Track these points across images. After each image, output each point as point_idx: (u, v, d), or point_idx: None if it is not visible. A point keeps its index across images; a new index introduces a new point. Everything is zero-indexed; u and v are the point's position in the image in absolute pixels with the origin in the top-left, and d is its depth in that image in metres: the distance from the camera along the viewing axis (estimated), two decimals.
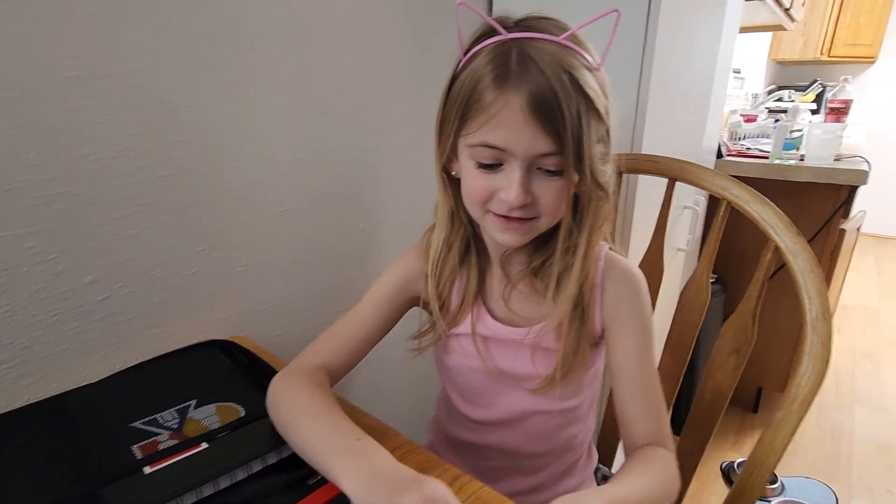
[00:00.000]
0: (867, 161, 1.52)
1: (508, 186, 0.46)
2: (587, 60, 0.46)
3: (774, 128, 1.64)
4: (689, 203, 1.19)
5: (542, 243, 0.54)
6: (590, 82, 0.45)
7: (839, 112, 1.73)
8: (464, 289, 0.59)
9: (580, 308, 0.55)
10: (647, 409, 0.56)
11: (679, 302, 0.78)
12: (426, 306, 0.62)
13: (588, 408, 0.67)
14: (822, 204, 1.55)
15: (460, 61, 0.50)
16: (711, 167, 1.54)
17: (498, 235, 0.51)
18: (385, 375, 1.04)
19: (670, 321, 0.78)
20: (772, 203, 0.68)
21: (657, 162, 0.77)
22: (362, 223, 0.94)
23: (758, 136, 1.94)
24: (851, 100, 1.73)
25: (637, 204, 0.98)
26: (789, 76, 3.94)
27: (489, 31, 0.47)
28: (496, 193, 0.48)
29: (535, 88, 0.43)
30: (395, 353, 1.03)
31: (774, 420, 0.63)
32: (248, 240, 0.77)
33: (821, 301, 0.62)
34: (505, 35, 0.46)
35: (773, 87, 3.22)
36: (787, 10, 1.97)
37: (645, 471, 0.50)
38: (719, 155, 1.56)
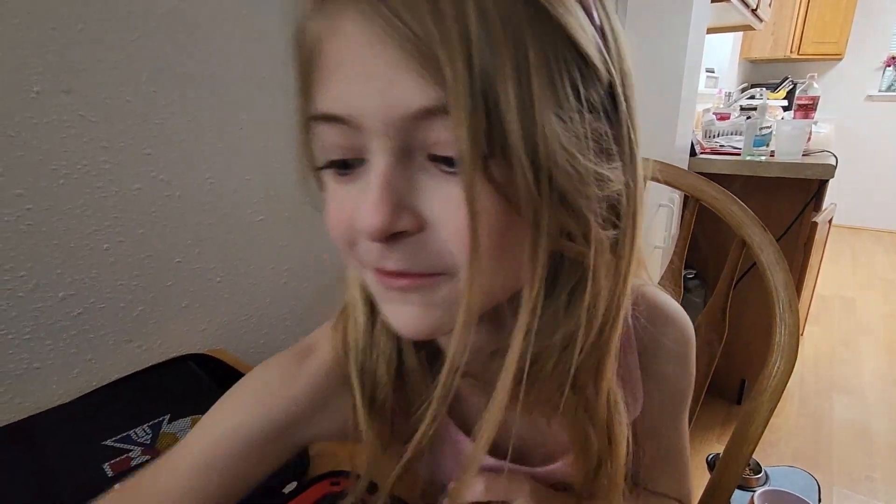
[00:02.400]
0: (834, 155, 1.57)
1: (367, 194, 0.24)
2: None
3: (746, 125, 1.68)
4: (664, 201, 1.22)
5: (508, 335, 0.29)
6: None
7: (807, 108, 1.78)
8: (414, 416, 0.31)
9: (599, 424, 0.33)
10: (672, 474, 0.47)
11: None
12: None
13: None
14: (794, 198, 1.59)
15: None
16: (685, 165, 1.58)
17: (386, 313, 0.28)
18: None
19: None
20: (738, 199, 0.70)
21: None
22: None
23: (731, 134, 1.99)
24: (818, 96, 1.78)
25: None
26: (761, 74, 4.04)
27: None
28: (356, 222, 0.25)
29: None
30: None
31: (747, 411, 0.65)
32: (226, 250, 0.76)
33: (787, 293, 0.64)
34: None
35: (745, 85, 3.29)
36: (754, 11, 2.02)
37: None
38: (693, 153, 1.60)
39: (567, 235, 0.25)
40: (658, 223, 1.24)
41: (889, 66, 3.96)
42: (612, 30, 0.26)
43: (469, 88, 0.20)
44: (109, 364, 0.65)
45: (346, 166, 0.26)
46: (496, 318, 0.29)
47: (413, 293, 0.26)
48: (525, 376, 0.27)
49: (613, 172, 0.26)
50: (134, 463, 0.46)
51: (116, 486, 0.36)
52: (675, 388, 0.41)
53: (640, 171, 0.29)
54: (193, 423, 0.52)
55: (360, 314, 0.33)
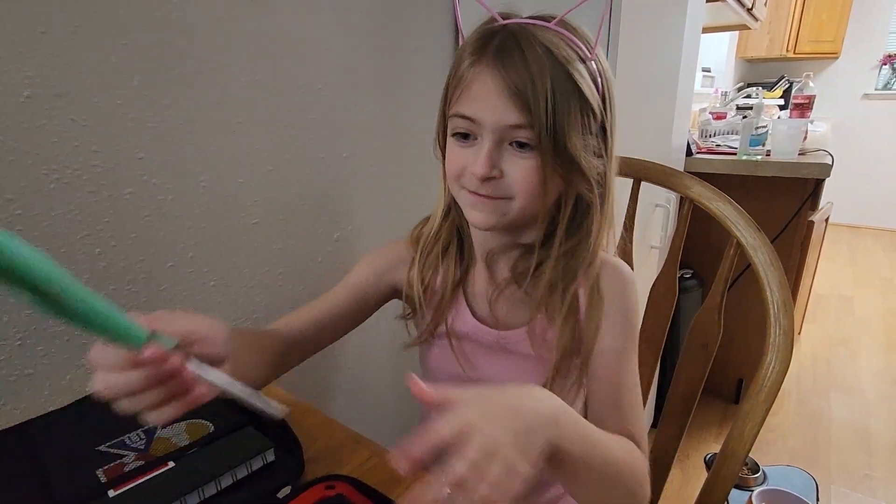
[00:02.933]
0: (830, 154, 1.57)
1: (476, 158, 0.46)
2: (579, 48, 0.46)
3: (742, 125, 1.68)
4: (661, 201, 1.22)
5: (533, 247, 0.52)
6: (577, 67, 0.45)
7: (803, 108, 1.79)
8: (446, 280, 0.57)
9: (573, 316, 0.52)
10: (620, 410, 0.52)
11: (649, 299, 0.79)
12: (408, 300, 0.60)
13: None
14: (791, 197, 1.59)
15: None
16: (681, 165, 1.58)
17: (469, 213, 0.50)
18: (370, 379, 1.04)
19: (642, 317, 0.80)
20: (732, 200, 0.70)
21: (622, 162, 0.79)
22: (337, 232, 0.94)
23: (727, 133, 1.99)
24: (814, 95, 1.78)
25: None
26: (758, 73, 4.05)
27: (488, 22, 0.48)
28: (468, 167, 0.47)
29: (510, 60, 0.43)
30: (379, 357, 1.04)
31: (742, 411, 0.65)
32: (220, 254, 0.76)
33: (782, 294, 0.64)
34: (499, 20, 0.47)
35: (742, 84, 3.30)
36: (749, 10, 2.02)
37: (610, 437, 0.45)
38: (689, 153, 1.60)
39: (582, 191, 0.50)
40: (655, 223, 1.24)
41: (885, 64, 3.97)
42: (608, 87, 0.49)
43: (547, 121, 0.43)
44: None
45: (465, 138, 0.48)
46: (519, 231, 0.53)
47: (488, 204, 0.48)
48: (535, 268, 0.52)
49: (602, 164, 0.50)
50: (127, 469, 0.45)
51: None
52: (612, 318, 0.53)
53: (615, 164, 0.52)
54: (188, 427, 0.51)
55: (437, 220, 0.58)
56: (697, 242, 1.11)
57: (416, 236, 0.60)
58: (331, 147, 0.89)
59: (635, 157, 0.79)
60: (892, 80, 3.98)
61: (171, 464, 0.46)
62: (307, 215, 0.88)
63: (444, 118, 0.50)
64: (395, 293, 0.61)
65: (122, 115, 0.62)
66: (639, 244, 1.17)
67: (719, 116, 2.13)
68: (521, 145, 0.45)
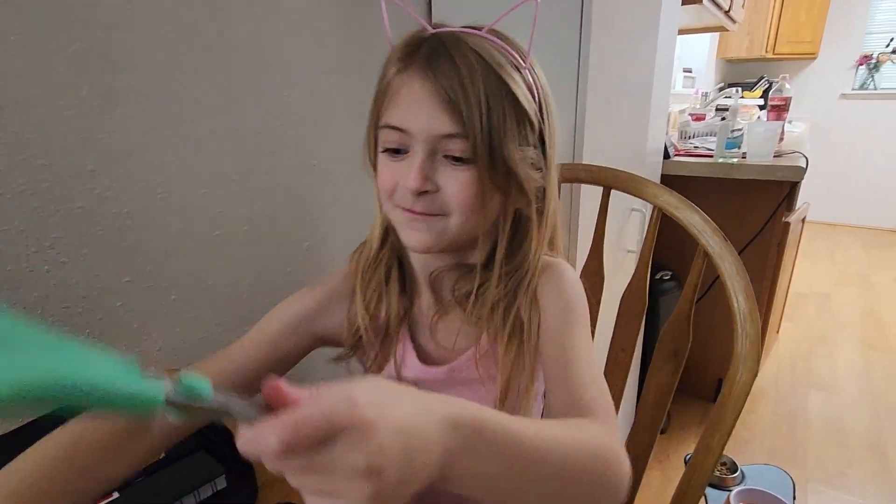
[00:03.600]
0: (805, 157, 1.58)
1: (408, 171, 0.42)
2: (512, 56, 0.44)
3: (719, 127, 1.69)
4: (637, 205, 1.22)
5: (474, 268, 0.49)
6: (511, 73, 0.42)
7: (780, 109, 1.80)
8: (389, 314, 0.52)
9: (517, 334, 0.50)
10: (568, 381, 0.45)
11: (620, 307, 0.79)
12: (349, 338, 0.53)
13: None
14: (767, 199, 1.60)
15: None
16: (658, 168, 1.58)
17: (404, 234, 0.47)
18: None
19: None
20: (699, 209, 0.69)
21: (591, 171, 0.79)
22: (307, 241, 0.92)
23: (706, 135, 2.00)
24: (790, 97, 1.80)
25: (582, 211, 0.99)
26: (739, 74, 4.09)
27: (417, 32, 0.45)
28: (400, 183, 0.44)
29: (439, 65, 0.40)
30: (337, 373, 1.02)
31: (710, 421, 0.64)
32: (183, 267, 0.74)
33: (748, 304, 0.64)
34: (429, 29, 0.44)
35: (722, 84, 3.33)
36: (727, 13, 2.04)
37: (556, 424, 0.39)
38: (667, 155, 1.60)
39: (521, 205, 0.48)
40: (631, 227, 1.24)
41: (862, 64, 4.03)
42: (544, 96, 0.47)
43: (483, 132, 0.41)
44: None
45: (397, 153, 0.44)
46: (460, 252, 0.50)
47: (423, 223, 0.45)
48: (477, 290, 0.49)
49: (541, 177, 0.47)
50: None
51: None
52: (551, 307, 0.50)
53: (555, 174, 0.50)
54: None
55: (375, 242, 0.52)
56: (675, 243, 1.11)
57: (354, 265, 0.54)
58: (299, 155, 0.87)
59: (605, 166, 0.78)
60: (869, 81, 4.05)
61: (116, 494, 0.44)
62: (275, 225, 0.86)
63: (374, 130, 0.46)
64: (319, 342, 0.54)
65: (71, 127, 0.60)
66: (614, 248, 1.17)
67: (699, 117, 2.14)
68: (457, 158, 0.42)
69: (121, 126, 0.64)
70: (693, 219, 0.69)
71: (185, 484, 0.45)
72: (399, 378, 0.52)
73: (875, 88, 4.03)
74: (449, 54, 0.40)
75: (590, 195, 0.99)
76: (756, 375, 0.65)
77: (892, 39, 3.89)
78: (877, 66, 3.99)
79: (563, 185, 0.84)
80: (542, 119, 0.46)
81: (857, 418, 1.85)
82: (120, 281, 0.67)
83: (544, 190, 0.48)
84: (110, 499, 0.44)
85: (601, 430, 0.39)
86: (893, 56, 3.90)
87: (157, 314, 0.72)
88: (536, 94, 0.45)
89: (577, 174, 0.81)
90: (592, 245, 0.81)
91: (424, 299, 0.54)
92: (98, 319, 0.65)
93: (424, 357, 0.53)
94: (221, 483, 0.47)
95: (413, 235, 0.45)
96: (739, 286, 0.65)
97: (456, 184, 0.43)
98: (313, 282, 0.55)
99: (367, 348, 0.53)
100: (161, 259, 0.71)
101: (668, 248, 1.48)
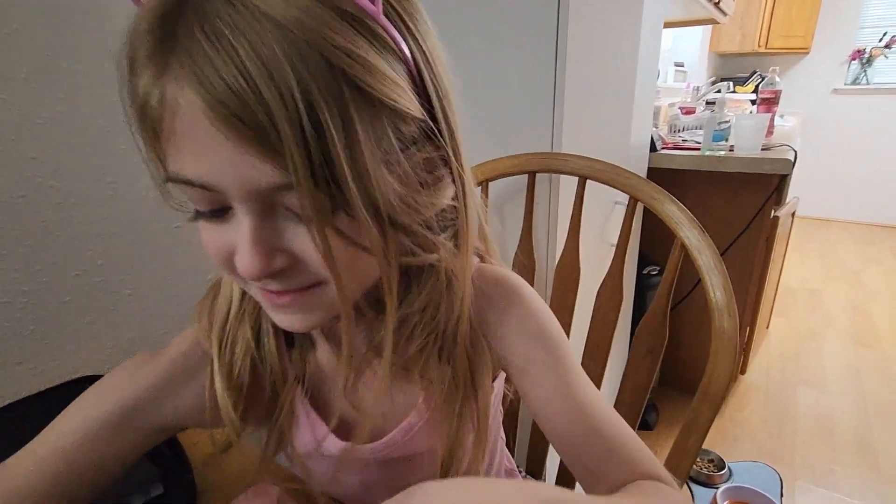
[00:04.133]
0: (794, 149, 1.56)
1: (240, 247, 0.28)
2: (345, 3, 0.25)
3: (706, 119, 1.67)
4: (620, 198, 1.19)
5: (381, 304, 0.33)
6: (349, 37, 0.25)
7: (769, 102, 1.78)
8: (274, 378, 0.38)
9: (460, 374, 0.37)
10: (600, 435, 0.37)
11: (596, 300, 0.76)
12: (213, 421, 0.37)
13: (495, 437, 0.52)
14: (755, 192, 1.58)
15: None
16: (644, 161, 1.56)
17: (273, 317, 0.33)
18: None
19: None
20: (678, 201, 0.67)
21: (566, 160, 0.76)
22: None
23: (695, 128, 1.98)
24: (780, 90, 1.77)
25: (561, 202, 0.96)
26: (731, 68, 4.07)
27: None
28: (236, 255, 0.29)
29: (212, 69, 0.23)
30: None
31: (686, 422, 0.62)
32: (137, 261, 0.71)
33: (725, 298, 0.61)
34: None
35: (714, 79, 3.31)
36: (717, 4, 2.01)
37: (625, 497, 0.33)
38: (654, 148, 1.57)
39: (411, 251, 0.32)
40: (614, 221, 1.22)
41: (854, 59, 4.02)
42: (426, 57, 0.30)
43: (308, 172, 0.24)
44: None
45: (214, 216, 0.29)
46: (358, 312, 0.35)
47: (293, 304, 0.31)
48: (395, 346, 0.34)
49: (445, 188, 0.33)
50: None
51: None
52: (529, 353, 0.39)
53: (469, 176, 0.35)
54: None
55: (234, 292, 0.37)
56: (662, 237, 1.08)
57: (205, 321, 0.38)
58: None
59: (582, 155, 0.75)
60: (861, 76, 4.04)
61: None
62: None
63: (161, 170, 0.28)
64: (164, 433, 0.39)
65: (8, 112, 0.56)
66: (597, 242, 1.14)
67: (688, 111, 2.12)
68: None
69: (63, 110, 0.60)
70: (670, 209, 0.66)
71: (117, 490, 0.42)
72: (301, 454, 0.41)
73: (868, 83, 4.02)
74: (223, 38, 0.23)
75: (570, 187, 0.96)
76: (732, 372, 0.62)
77: (884, 34, 3.87)
78: (869, 61, 3.97)
79: (538, 175, 0.82)
80: (434, 105, 0.30)
81: (846, 415, 1.83)
82: (68, 275, 0.64)
83: (454, 201, 0.34)
84: None
85: (663, 492, 0.34)
86: (886, 51, 3.89)
87: (110, 310, 0.69)
88: (408, 52, 0.28)
89: (550, 164, 0.78)
90: (568, 237, 0.78)
91: (321, 352, 0.41)
92: (42, 315, 0.62)
93: (342, 429, 0.40)
94: (157, 489, 0.44)
95: (285, 320, 0.32)
96: (717, 280, 0.62)
97: (312, 247, 0.27)
98: (144, 354, 0.40)
99: (251, 426, 0.40)
100: (112, 252, 0.68)
101: (655, 241, 1.46)
